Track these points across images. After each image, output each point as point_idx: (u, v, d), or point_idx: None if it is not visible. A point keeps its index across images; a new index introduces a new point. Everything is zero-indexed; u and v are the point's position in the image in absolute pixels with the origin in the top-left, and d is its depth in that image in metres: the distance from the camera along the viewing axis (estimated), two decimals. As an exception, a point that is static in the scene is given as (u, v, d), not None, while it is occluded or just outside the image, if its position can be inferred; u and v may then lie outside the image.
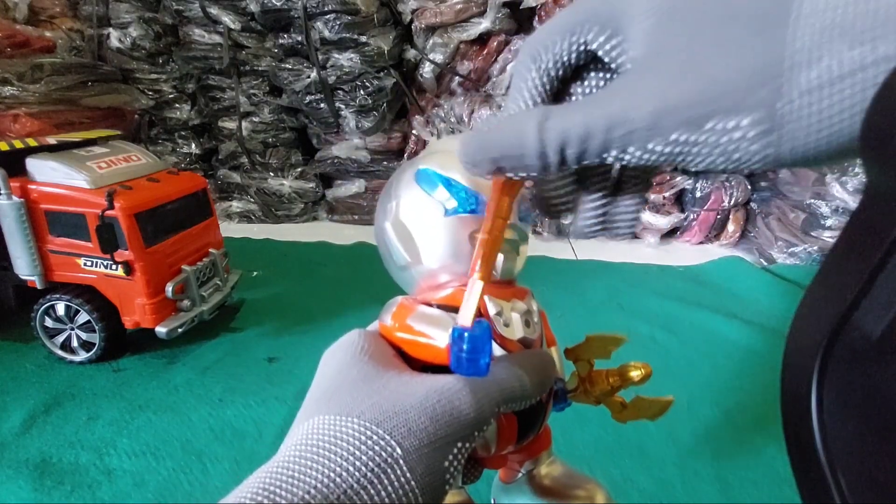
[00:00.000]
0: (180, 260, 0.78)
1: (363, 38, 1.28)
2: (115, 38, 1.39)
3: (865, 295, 0.13)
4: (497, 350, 0.24)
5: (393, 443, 0.17)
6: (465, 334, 0.20)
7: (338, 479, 0.16)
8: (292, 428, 0.19)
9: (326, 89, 1.33)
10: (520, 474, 0.30)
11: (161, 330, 0.73)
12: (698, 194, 1.25)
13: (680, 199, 1.31)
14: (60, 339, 0.76)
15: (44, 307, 0.74)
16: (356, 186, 1.46)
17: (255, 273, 1.07)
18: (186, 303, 0.77)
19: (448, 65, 1.36)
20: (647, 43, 0.16)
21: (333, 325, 0.87)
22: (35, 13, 1.36)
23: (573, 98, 0.20)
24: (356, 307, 0.92)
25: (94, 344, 0.75)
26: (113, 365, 0.76)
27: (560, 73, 0.19)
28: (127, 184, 0.73)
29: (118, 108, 1.29)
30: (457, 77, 1.37)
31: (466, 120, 1.30)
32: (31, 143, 0.73)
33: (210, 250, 0.83)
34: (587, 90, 0.20)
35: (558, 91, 0.20)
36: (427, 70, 1.37)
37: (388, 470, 0.17)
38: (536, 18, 1.30)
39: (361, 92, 1.33)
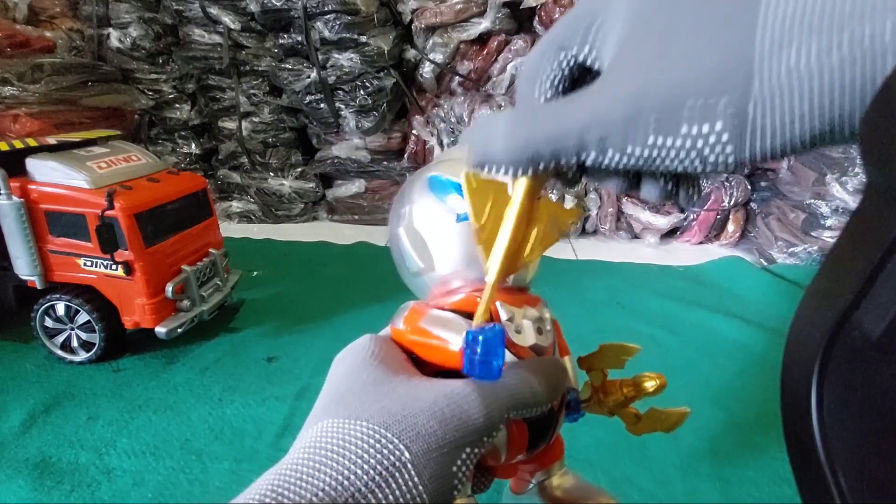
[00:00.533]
0: (180, 260, 0.78)
1: (363, 38, 1.28)
2: (115, 38, 1.39)
3: (865, 295, 0.13)
4: (508, 357, 0.23)
5: (402, 446, 0.17)
6: (480, 337, 0.19)
7: (346, 482, 0.16)
8: (301, 431, 0.19)
9: (326, 89, 1.33)
10: (531, 485, 0.30)
11: (161, 330, 0.73)
12: (698, 194, 1.25)
13: (680, 199, 1.31)
14: (60, 339, 0.76)
15: (44, 307, 0.74)
16: (356, 186, 1.46)
17: (255, 273, 1.07)
18: (186, 303, 0.77)
19: (448, 65, 1.36)
20: (616, 50, 0.16)
21: (333, 325, 0.87)
22: (35, 13, 1.36)
23: None
24: (356, 307, 0.92)
25: (94, 344, 0.75)
26: (113, 365, 0.76)
27: (565, 84, 0.19)
28: (127, 184, 0.73)
29: (118, 108, 1.29)
30: (457, 77, 1.37)
31: (466, 120, 1.30)
32: (31, 143, 0.73)
33: (210, 250, 0.83)
34: None
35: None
36: (427, 70, 1.37)
37: (397, 473, 0.17)
38: (536, 18, 1.30)
39: (361, 92, 1.33)
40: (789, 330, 0.15)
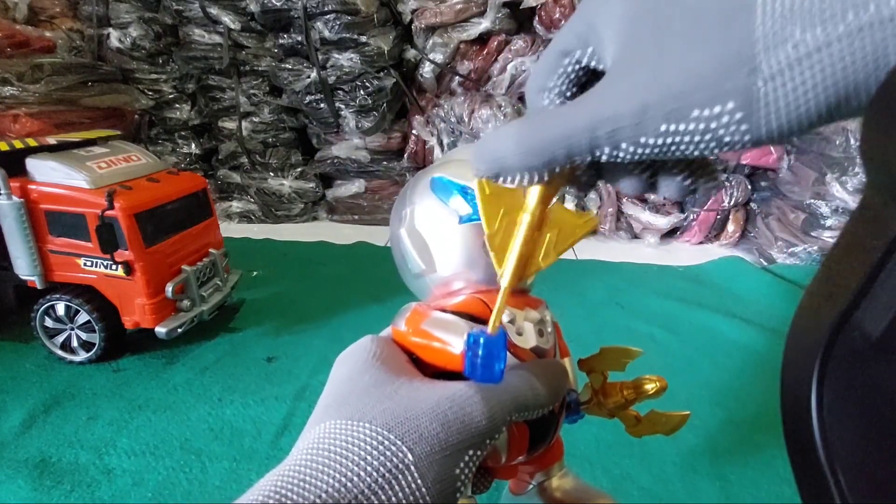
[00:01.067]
0: (180, 260, 0.77)
1: (363, 38, 1.28)
2: (115, 38, 1.39)
3: (865, 295, 0.13)
4: (510, 359, 0.23)
5: (404, 448, 0.17)
6: (481, 340, 0.19)
7: (349, 484, 0.16)
8: (303, 432, 0.19)
9: (326, 89, 1.33)
10: (531, 486, 0.30)
11: (161, 330, 0.73)
12: (698, 194, 1.25)
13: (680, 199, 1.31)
14: (60, 339, 0.76)
15: (44, 307, 0.74)
16: (356, 186, 1.46)
17: (255, 273, 1.07)
18: (186, 303, 0.77)
19: (448, 65, 1.36)
20: (617, 46, 0.16)
21: (333, 325, 0.87)
22: (35, 13, 1.36)
23: None
24: (356, 307, 0.92)
25: (94, 344, 0.75)
26: (113, 365, 0.76)
27: (574, 89, 0.19)
28: (127, 184, 0.73)
29: (118, 108, 1.29)
30: (457, 77, 1.37)
31: (466, 120, 1.30)
32: (31, 143, 0.73)
33: (210, 250, 0.83)
34: None
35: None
36: (427, 70, 1.37)
37: (400, 476, 0.17)
38: (536, 18, 1.30)
39: (361, 92, 1.33)
40: (789, 330, 0.15)
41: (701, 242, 1.30)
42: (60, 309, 0.74)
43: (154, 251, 0.73)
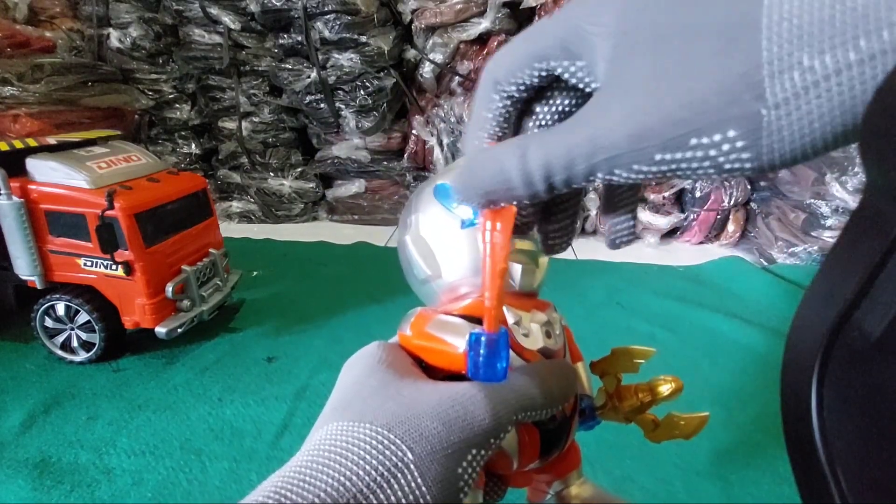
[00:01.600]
0: (180, 260, 0.77)
1: (363, 38, 1.28)
2: (115, 38, 1.39)
3: (865, 295, 0.13)
4: (517, 361, 0.23)
5: (404, 447, 0.17)
6: (482, 338, 0.19)
7: (348, 483, 0.16)
8: (308, 436, 0.19)
9: (326, 89, 1.33)
10: (549, 495, 0.29)
11: (161, 330, 0.73)
12: (698, 194, 1.25)
13: (680, 199, 1.31)
14: (60, 339, 0.76)
15: (44, 307, 0.74)
16: (356, 186, 1.46)
17: (255, 273, 1.07)
18: (186, 303, 0.77)
19: (448, 65, 1.36)
20: (611, 65, 0.16)
21: (333, 325, 0.87)
22: (35, 13, 1.36)
23: (536, 118, 0.20)
24: (356, 307, 0.92)
25: (94, 344, 0.75)
26: (113, 365, 0.76)
27: (525, 96, 0.19)
28: (127, 184, 0.73)
29: (118, 108, 1.29)
30: (457, 77, 1.37)
31: (466, 120, 1.30)
32: (31, 143, 0.73)
33: (210, 250, 0.83)
34: (553, 108, 0.20)
35: (521, 112, 0.20)
36: (427, 70, 1.37)
37: (399, 475, 0.17)
38: (536, 18, 1.30)
39: (361, 92, 1.33)
40: (789, 330, 0.15)
41: (701, 242, 1.30)
42: (60, 309, 0.74)
43: (154, 251, 0.73)
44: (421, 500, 0.17)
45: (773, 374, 0.16)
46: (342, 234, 1.37)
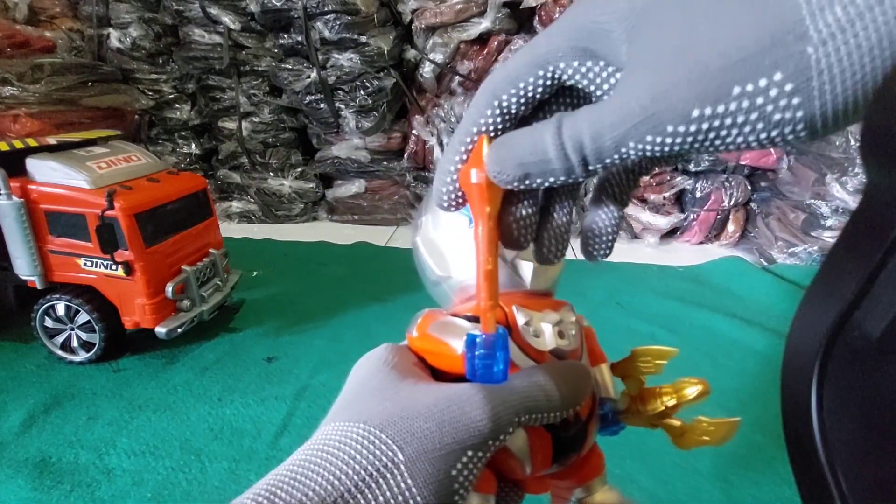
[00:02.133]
0: (180, 260, 0.77)
1: (363, 38, 1.28)
2: (115, 38, 1.39)
3: (865, 295, 0.13)
4: (526, 362, 0.23)
5: (395, 447, 0.17)
6: (478, 340, 0.19)
7: (336, 482, 0.16)
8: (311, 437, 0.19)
9: (326, 89, 1.33)
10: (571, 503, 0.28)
11: (161, 330, 0.73)
12: (698, 194, 1.25)
13: (680, 200, 1.31)
14: (60, 339, 0.76)
15: (44, 307, 0.74)
16: (356, 186, 1.46)
17: (255, 273, 1.07)
18: (186, 303, 0.77)
19: (448, 65, 1.36)
20: (633, 39, 0.15)
21: (333, 325, 0.87)
22: (35, 13, 1.36)
23: None
24: (356, 307, 0.92)
25: (94, 344, 0.75)
26: (113, 365, 0.76)
27: (521, 111, 0.18)
28: (127, 184, 0.73)
29: (118, 108, 1.29)
30: (457, 77, 1.37)
31: (466, 120, 1.30)
32: (31, 143, 0.73)
33: (210, 250, 0.83)
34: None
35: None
36: (427, 70, 1.37)
37: (388, 474, 0.17)
38: (536, 18, 1.30)
39: (361, 92, 1.33)
40: (789, 330, 0.15)
41: (701, 242, 1.30)
42: (60, 309, 0.74)
43: (154, 251, 0.73)
44: (411, 501, 0.17)
45: (773, 374, 0.16)
46: (342, 234, 1.37)
